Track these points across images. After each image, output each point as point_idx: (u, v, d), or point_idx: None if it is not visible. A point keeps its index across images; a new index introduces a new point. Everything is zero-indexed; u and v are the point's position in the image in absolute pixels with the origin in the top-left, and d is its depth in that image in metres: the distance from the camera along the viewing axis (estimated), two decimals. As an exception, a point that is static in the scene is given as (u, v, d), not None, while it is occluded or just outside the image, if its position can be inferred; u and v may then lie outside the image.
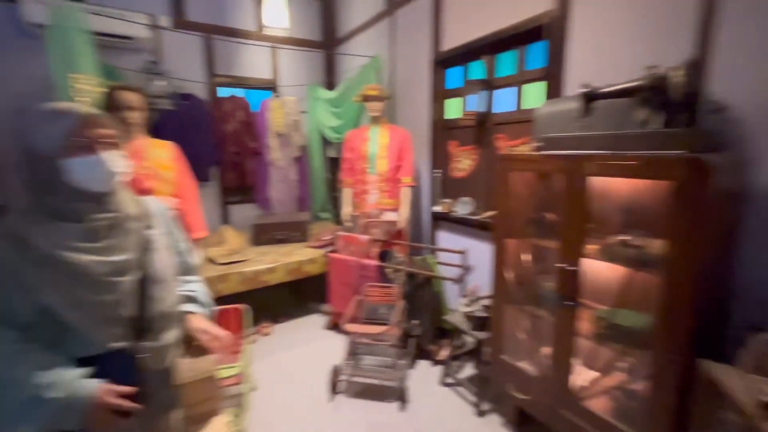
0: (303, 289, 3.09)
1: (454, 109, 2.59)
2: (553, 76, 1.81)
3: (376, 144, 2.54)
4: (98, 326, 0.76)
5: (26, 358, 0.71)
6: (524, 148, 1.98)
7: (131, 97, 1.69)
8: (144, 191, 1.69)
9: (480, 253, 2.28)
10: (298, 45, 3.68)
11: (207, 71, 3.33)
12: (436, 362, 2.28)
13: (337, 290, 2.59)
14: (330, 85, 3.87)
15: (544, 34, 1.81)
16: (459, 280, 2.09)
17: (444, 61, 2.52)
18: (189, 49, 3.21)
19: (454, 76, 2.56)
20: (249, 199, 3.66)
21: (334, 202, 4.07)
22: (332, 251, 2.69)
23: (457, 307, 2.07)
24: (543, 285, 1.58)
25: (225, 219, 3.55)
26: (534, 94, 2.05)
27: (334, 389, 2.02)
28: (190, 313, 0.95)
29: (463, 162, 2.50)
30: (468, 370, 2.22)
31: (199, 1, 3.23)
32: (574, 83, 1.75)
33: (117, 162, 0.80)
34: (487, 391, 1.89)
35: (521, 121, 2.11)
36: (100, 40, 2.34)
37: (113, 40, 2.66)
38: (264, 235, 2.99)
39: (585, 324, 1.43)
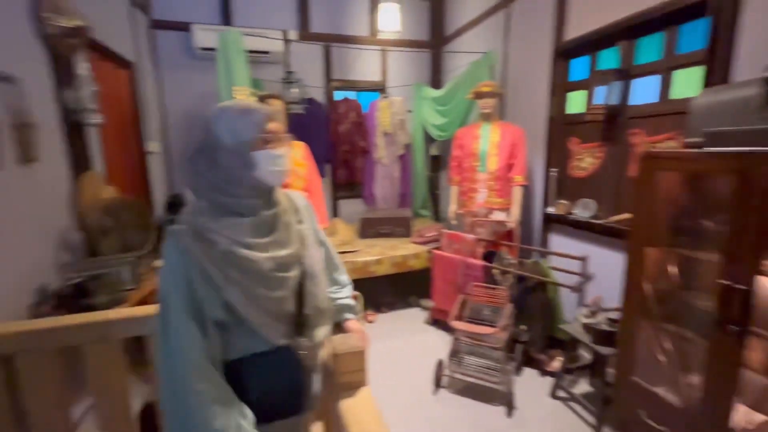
0: (405, 282, 3.21)
1: (576, 103, 2.38)
2: (716, 60, 1.53)
3: (487, 141, 2.49)
4: (269, 323, 0.77)
5: (208, 386, 0.71)
6: (671, 145, 1.73)
7: (276, 104, 1.96)
8: (283, 186, 1.95)
9: (602, 260, 2.06)
10: (407, 46, 3.79)
11: (325, 77, 3.66)
12: (545, 372, 2.15)
13: (439, 287, 2.62)
14: (436, 83, 3.90)
15: (708, 9, 1.54)
16: (578, 289, 1.93)
17: (567, 52, 2.33)
18: (311, 57, 3.57)
19: (578, 67, 2.35)
20: (356, 195, 3.92)
21: (434, 200, 4.11)
22: (436, 248, 2.72)
23: (575, 317, 1.91)
24: (694, 303, 1.37)
25: (335, 212, 3.88)
26: (686, 82, 1.77)
27: (438, 383, 2.06)
28: (348, 319, 1.04)
29: (585, 160, 2.28)
30: (583, 385, 2.04)
31: (321, 14, 3.56)
32: (746, 67, 1.46)
33: (287, 158, 0.82)
34: (608, 412, 1.71)
35: (666, 114, 1.84)
36: (248, 56, 2.76)
37: (255, 55, 3.11)
38: (370, 228, 3.17)
39: (755, 355, 1.20)
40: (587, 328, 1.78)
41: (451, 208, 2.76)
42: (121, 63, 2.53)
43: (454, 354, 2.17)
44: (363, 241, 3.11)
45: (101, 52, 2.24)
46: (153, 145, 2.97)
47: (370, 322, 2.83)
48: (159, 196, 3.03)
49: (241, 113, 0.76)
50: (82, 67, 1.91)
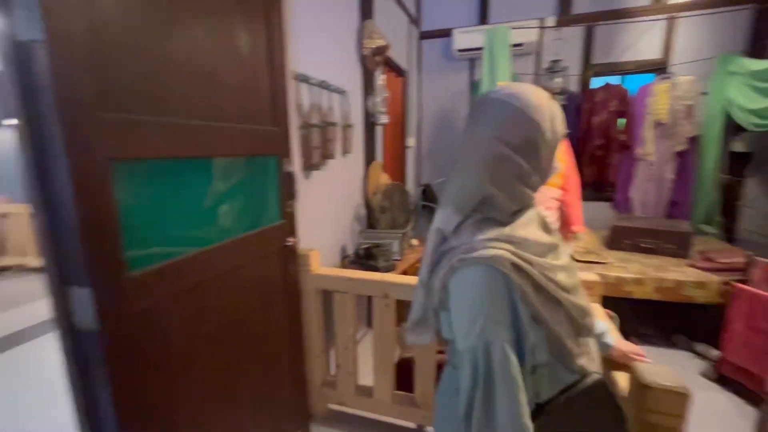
0: (670, 314, 2.51)
1: None
2: None
3: None
4: (581, 348, 0.66)
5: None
6: None
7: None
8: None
9: None
10: (713, 6, 2.84)
11: (582, 62, 3.24)
12: None
13: (740, 335, 1.88)
14: (758, 52, 2.76)
15: None
16: None
17: None
18: (566, 43, 3.23)
19: None
20: (604, 197, 3.34)
21: (729, 213, 2.99)
22: (740, 281, 1.96)
23: None
24: None
25: (574, 215, 3.45)
26: None
27: (732, 466, 1.50)
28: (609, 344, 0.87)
29: None
30: None
31: (587, -9, 3.15)
32: None
33: None
34: None
35: None
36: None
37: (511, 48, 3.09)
38: (626, 239, 2.63)
39: None
40: None
41: (779, 228, 1.90)
42: (399, 72, 3.06)
43: (765, 436, 1.51)
44: (612, 253, 2.62)
45: (389, 64, 2.76)
46: (410, 141, 3.47)
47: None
48: (410, 185, 3.54)
49: (553, 104, 0.66)
50: (380, 78, 2.41)
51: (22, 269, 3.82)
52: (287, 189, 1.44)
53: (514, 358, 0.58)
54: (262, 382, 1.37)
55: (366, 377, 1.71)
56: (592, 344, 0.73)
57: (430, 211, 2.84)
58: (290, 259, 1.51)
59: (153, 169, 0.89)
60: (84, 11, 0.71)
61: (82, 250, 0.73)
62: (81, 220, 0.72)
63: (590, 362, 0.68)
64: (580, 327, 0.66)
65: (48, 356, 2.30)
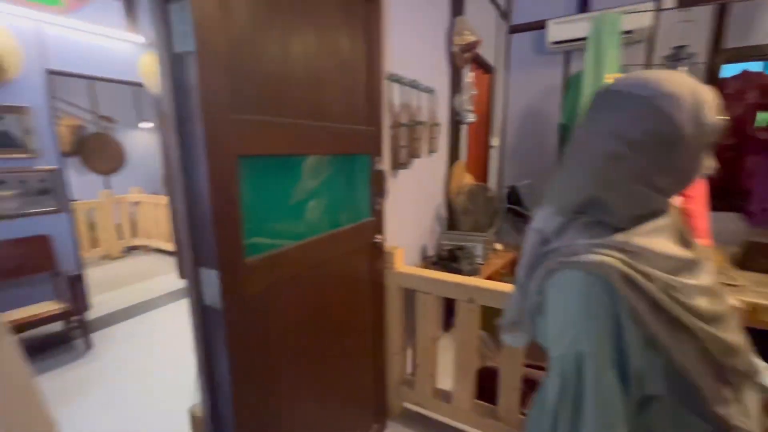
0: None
1: None
2: None
3: None
4: (718, 391, 0.55)
5: None
6: None
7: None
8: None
9: None
10: None
11: (710, 48, 2.76)
12: None
13: None
14: None
15: None
16: None
17: None
18: (689, 25, 2.77)
19: None
20: (732, 207, 2.82)
21: None
22: None
23: None
24: None
25: (689, 226, 2.97)
26: None
27: None
28: None
29: None
30: None
31: (721, -38, 2.66)
32: None
33: None
34: None
35: None
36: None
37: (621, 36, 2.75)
38: (763, 258, 2.18)
39: None
40: None
41: None
42: (486, 69, 2.94)
43: None
44: (744, 274, 2.18)
45: (477, 61, 2.67)
46: (495, 140, 3.32)
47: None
48: (492, 186, 3.38)
49: (701, 91, 0.55)
50: (468, 75, 2.34)
51: (148, 249, 4.55)
52: (378, 187, 1.47)
53: (612, 379, 0.52)
54: (346, 370, 1.43)
55: (442, 381, 1.67)
56: (748, 394, 0.60)
57: (515, 215, 2.68)
58: (377, 256, 1.54)
59: (264, 165, 0.98)
60: (223, 24, 0.80)
61: (213, 236, 0.82)
62: (213, 210, 0.81)
63: (740, 415, 0.56)
64: (722, 366, 0.55)
65: (171, 322, 2.70)
